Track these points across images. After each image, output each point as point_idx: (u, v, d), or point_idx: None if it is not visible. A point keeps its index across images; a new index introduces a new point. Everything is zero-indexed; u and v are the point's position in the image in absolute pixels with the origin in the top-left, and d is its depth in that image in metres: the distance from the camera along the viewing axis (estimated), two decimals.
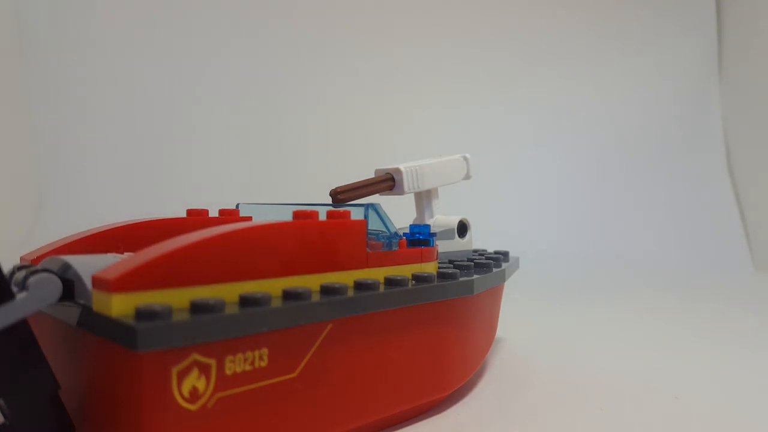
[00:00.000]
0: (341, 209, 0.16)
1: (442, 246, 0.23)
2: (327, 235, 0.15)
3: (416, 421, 0.18)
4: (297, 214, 0.15)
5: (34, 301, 0.12)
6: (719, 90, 0.74)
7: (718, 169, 0.72)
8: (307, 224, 0.15)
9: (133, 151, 0.65)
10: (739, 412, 0.19)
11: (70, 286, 0.13)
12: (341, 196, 0.21)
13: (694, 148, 0.73)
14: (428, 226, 0.18)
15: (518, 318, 0.29)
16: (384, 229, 0.17)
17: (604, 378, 0.23)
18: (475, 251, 0.26)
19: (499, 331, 0.26)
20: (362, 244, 0.16)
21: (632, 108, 0.74)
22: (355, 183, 0.22)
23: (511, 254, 0.26)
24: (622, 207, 0.71)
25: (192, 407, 0.12)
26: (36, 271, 0.13)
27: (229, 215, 0.19)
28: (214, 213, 0.20)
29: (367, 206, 0.17)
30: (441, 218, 0.25)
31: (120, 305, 0.11)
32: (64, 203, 0.62)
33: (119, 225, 0.17)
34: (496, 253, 0.25)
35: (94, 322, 0.12)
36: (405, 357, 0.17)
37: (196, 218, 0.18)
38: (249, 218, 0.20)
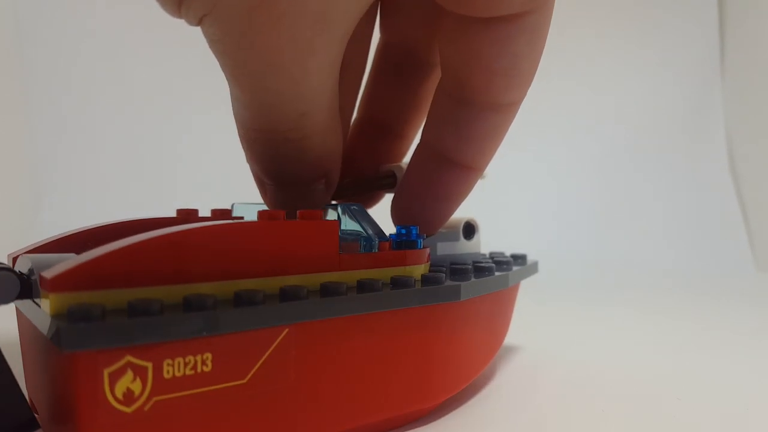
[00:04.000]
0: (315, 209, 0.16)
1: (446, 248, 0.22)
2: (291, 236, 0.15)
3: (414, 425, 0.17)
4: (261, 215, 0.15)
5: None
6: (721, 90, 0.72)
7: (720, 169, 0.71)
8: (266, 225, 0.14)
9: (133, 151, 0.65)
10: (742, 413, 0.19)
11: (31, 284, 0.13)
12: (339, 192, 0.21)
13: (696, 149, 0.72)
14: (416, 226, 0.17)
15: (518, 319, 0.27)
16: (362, 231, 0.17)
17: (605, 379, 0.22)
18: (491, 254, 0.24)
19: None
20: (333, 245, 0.15)
21: (633, 108, 0.72)
22: (355, 180, 0.22)
23: (528, 258, 0.25)
24: (623, 208, 0.70)
25: (127, 409, 0.12)
26: None
27: (220, 215, 0.19)
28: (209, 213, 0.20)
29: (343, 206, 0.17)
30: None
31: (56, 305, 0.11)
32: (63, 204, 0.62)
33: (100, 225, 0.17)
34: (511, 256, 0.24)
35: (39, 322, 0.12)
36: (378, 365, 0.16)
37: (174, 218, 0.18)
38: (240, 218, 0.19)
